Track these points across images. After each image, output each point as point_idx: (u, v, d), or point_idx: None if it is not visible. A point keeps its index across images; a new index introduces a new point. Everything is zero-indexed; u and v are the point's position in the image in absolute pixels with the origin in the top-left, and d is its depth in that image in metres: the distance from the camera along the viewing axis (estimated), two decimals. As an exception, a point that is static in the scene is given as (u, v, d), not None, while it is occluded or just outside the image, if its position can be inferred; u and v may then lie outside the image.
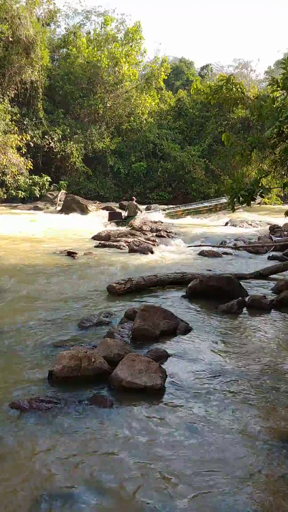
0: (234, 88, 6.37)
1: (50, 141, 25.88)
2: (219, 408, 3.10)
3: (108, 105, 28.95)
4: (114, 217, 16.42)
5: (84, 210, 19.05)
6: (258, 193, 5.17)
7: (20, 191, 24.19)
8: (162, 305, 5.15)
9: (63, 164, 27.02)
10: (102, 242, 10.91)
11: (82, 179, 27.78)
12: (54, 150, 26.13)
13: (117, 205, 21.07)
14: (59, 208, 20.64)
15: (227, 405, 3.15)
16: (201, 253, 9.69)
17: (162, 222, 15.77)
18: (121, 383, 3.29)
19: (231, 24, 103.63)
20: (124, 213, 16.59)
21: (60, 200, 22.21)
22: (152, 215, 18.10)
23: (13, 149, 22.91)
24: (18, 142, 23.22)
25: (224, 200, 19.01)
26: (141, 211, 17.49)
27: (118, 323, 4.79)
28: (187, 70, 42.76)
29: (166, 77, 31.53)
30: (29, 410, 2.95)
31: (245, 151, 6.01)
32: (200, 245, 10.95)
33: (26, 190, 24.46)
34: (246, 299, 5.70)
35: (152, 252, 9.70)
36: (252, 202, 5.35)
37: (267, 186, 5.41)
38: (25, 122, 25.19)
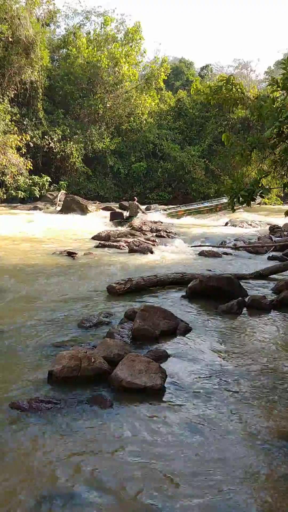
0: (234, 89, 6.37)
1: (50, 141, 25.88)
2: (219, 408, 3.10)
3: (108, 105, 28.96)
4: (115, 217, 16.44)
5: (84, 210, 19.06)
6: (258, 193, 5.17)
7: (20, 191, 24.19)
8: (162, 305, 5.15)
9: (63, 164, 27.02)
10: (102, 242, 10.91)
11: (82, 179, 27.78)
12: (54, 150, 26.14)
13: (117, 205, 21.09)
14: (59, 208, 20.64)
15: (227, 405, 3.15)
16: (201, 253, 9.70)
17: (162, 222, 15.78)
18: (121, 383, 3.29)
19: (231, 24, 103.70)
20: (126, 213, 16.61)
21: (60, 200, 22.21)
22: (153, 215, 18.11)
23: (12, 149, 22.91)
24: (18, 142, 23.23)
25: (224, 200, 19.01)
26: (144, 212, 17.50)
27: (118, 323, 4.79)
28: (187, 70, 42.77)
29: (166, 78, 31.53)
30: (28, 410, 2.95)
31: (245, 151, 6.01)
32: (200, 245, 10.96)
33: (26, 190, 24.46)
34: (246, 299, 5.70)
35: (152, 252, 9.71)
36: (252, 202, 5.35)
37: (267, 187, 5.40)
38: (25, 122, 25.19)
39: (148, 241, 11.07)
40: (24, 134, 24.04)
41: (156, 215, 18.48)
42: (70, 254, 8.96)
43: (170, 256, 9.57)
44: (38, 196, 24.68)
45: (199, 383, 3.48)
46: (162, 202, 26.56)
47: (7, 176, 23.26)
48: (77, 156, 26.68)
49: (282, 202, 28.06)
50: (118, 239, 11.35)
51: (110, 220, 16.15)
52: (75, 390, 3.28)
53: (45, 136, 25.84)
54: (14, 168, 23.12)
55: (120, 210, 17.85)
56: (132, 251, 9.78)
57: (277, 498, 2.26)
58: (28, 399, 3.07)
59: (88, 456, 2.53)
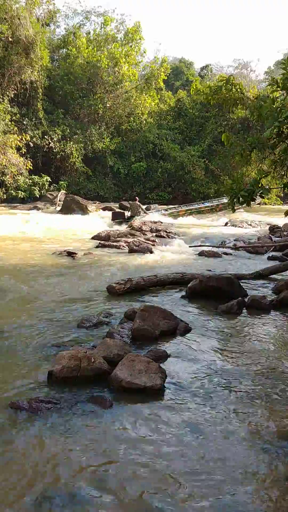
0: (233, 89, 6.37)
1: (50, 141, 25.89)
2: (219, 408, 3.10)
3: (108, 105, 28.97)
4: (117, 217, 16.45)
5: (84, 210, 19.07)
6: (258, 194, 5.17)
7: (19, 191, 24.20)
8: (162, 305, 5.15)
9: (63, 164, 27.03)
10: (102, 242, 10.91)
11: (82, 179, 27.79)
12: (54, 150, 26.14)
13: (117, 205, 21.08)
14: (58, 208, 20.65)
15: (227, 405, 3.15)
16: (201, 253, 9.69)
17: (161, 222, 15.78)
18: (121, 383, 3.29)
19: (231, 25, 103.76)
20: (127, 213, 16.63)
21: (59, 200, 22.22)
22: (153, 215, 18.11)
23: (12, 149, 22.92)
24: (18, 142, 23.23)
25: (225, 200, 19.04)
26: (145, 212, 17.51)
27: (117, 323, 4.79)
28: (187, 70, 42.79)
29: (166, 78, 31.55)
30: (28, 410, 2.95)
31: (244, 151, 6.01)
32: (200, 245, 10.96)
33: (25, 190, 24.47)
34: (246, 299, 5.70)
35: (151, 252, 9.71)
36: (252, 203, 5.35)
37: (267, 187, 5.40)
38: (24, 122, 25.20)
39: (148, 241, 11.07)
40: (24, 134, 24.05)
41: (157, 215, 18.49)
42: (70, 254, 8.96)
43: (170, 256, 9.56)
44: (38, 196, 24.69)
45: (199, 383, 3.48)
46: (162, 202, 26.57)
47: (7, 176, 23.27)
48: (77, 156, 26.68)
49: (282, 202, 28.08)
50: (118, 239, 11.35)
51: (112, 220, 16.19)
52: (75, 390, 3.28)
53: (45, 136, 25.85)
54: (14, 168, 23.13)
55: (121, 210, 17.85)
56: (132, 251, 9.78)
57: (277, 498, 2.26)
58: (28, 399, 3.07)
59: (88, 456, 2.53)
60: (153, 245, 10.77)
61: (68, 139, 26.61)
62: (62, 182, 26.59)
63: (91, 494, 2.23)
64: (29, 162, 24.07)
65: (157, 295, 6.14)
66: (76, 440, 2.68)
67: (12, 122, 23.73)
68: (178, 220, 17.88)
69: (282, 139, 5.34)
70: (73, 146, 26.43)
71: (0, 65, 23.71)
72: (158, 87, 31.07)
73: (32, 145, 24.92)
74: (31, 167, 24.16)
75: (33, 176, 24.93)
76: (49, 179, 25.66)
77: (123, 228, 13.99)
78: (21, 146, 23.53)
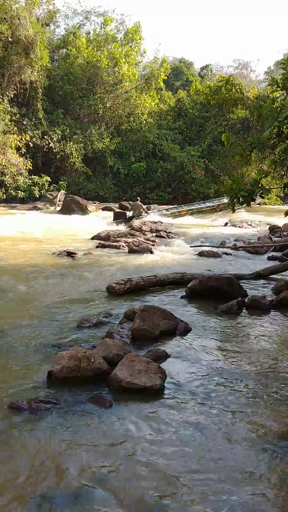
0: (233, 89, 6.36)
1: (50, 141, 25.88)
2: (218, 408, 3.10)
3: (108, 105, 28.96)
4: (119, 217, 16.45)
5: (83, 211, 19.06)
6: (258, 194, 5.16)
7: (19, 191, 24.20)
8: (161, 306, 5.15)
9: (63, 165, 27.03)
10: (102, 242, 10.91)
11: (82, 179, 27.79)
12: (54, 151, 26.14)
13: (117, 205, 21.08)
14: (58, 208, 20.65)
15: (226, 405, 3.15)
16: (201, 254, 9.69)
17: (161, 222, 15.78)
18: (121, 383, 3.28)
19: (231, 25, 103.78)
20: (129, 213, 16.63)
21: (59, 201, 22.22)
22: (154, 215, 18.11)
23: (12, 149, 22.92)
24: (18, 142, 23.23)
25: (225, 200, 19.03)
26: (147, 212, 17.49)
27: (117, 323, 4.78)
28: (187, 70, 42.77)
29: (165, 78, 31.54)
30: (28, 411, 2.95)
31: (244, 151, 5.99)
32: (199, 246, 10.96)
33: (25, 190, 24.47)
34: (246, 299, 5.70)
35: (151, 252, 9.70)
36: (252, 203, 5.34)
37: (267, 187, 5.40)
38: (24, 122, 25.19)
39: (148, 241, 11.06)
40: (23, 134, 24.04)
41: (158, 215, 18.47)
42: (70, 254, 8.96)
43: (169, 256, 9.56)
44: (37, 196, 24.70)
45: (199, 383, 3.47)
46: (162, 202, 26.58)
47: (7, 176, 23.27)
48: (76, 156, 26.68)
49: (282, 202, 28.09)
50: (118, 239, 11.34)
51: (114, 219, 16.19)
52: (75, 390, 3.28)
53: (45, 136, 25.84)
54: (14, 168, 23.12)
55: (123, 210, 17.85)
56: (131, 251, 9.77)
57: (277, 498, 2.26)
58: (27, 399, 3.07)
59: (88, 456, 2.52)
60: (153, 245, 10.77)
61: (68, 139, 26.60)
62: (62, 182, 26.59)
63: (91, 494, 2.23)
64: (29, 162, 24.06)
65: (157, 295, 6.14)
66: (76, 440, 2.68)
67: (12, 122, 23.73)
68: (178, 220, 17.87)
69: (282, 139, 5.33)
70: (73, 146, 26.43)
71: (0, 65, 23.71)
72: (158, 87, 31.07)
73: (31, 145, 24.92)
74: (30, 167, 24.16)
75: (32, 176, 24.92)
76: (49, 179, 25.66)
77: (123, 228, 13.98)
78: (20, 146, 23.53)
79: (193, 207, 20.98)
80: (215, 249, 10.20)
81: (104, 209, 21.17)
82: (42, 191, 25.16)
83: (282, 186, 5.68)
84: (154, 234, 12.77)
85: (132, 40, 29.90)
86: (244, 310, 5.48)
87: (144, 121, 30.06)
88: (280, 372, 3.76)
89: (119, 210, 17.91)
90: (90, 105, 28.20)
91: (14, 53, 23.56)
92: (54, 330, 4.56)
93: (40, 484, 2.29)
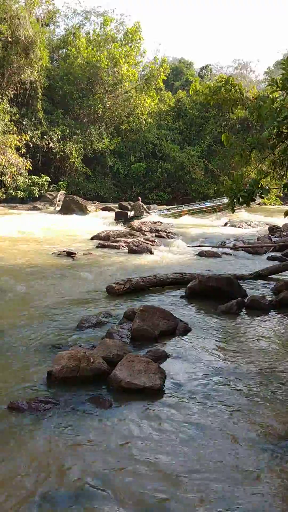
0: (233, 89, 6.37)
1: (49, 142, 25.89)
2: (218, 408, 3.10)
3: (108, 105, 28.97)
4: (120, 217, 16.45)
5: (83, 211, 19.08)
6: (257, 194, 5.16)
7: (19, 191, 24.21)
8: (161, 306, 5.15)
9: (63, 165, 27.04)
10: (102, 242, 10.90)
11: (82, 179, 27.80)
12: (53, 151, 26.15)
13: (117, 205, 21.08)
14: (58, 208, 20.65)
15: (226, 405, 3.15)
16: (201, 254, 9.69)
17: (161, 223, 15.78)
18: (120, 383, 3.28)
19: (230, 25, 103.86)
20: (130, 213, 16.64)
21: (59, 201, 22.23)
22: (155, 215, 18.11)
23: (12, 149, 22.92)
24: (17, 142, 23.24)
25: (226, 200, 19.03)
26: (148, 212, 17.48)
27: (117, 323, 4.78)
28: (187, 70, 42.81)
29: (165, 78, 31.56)
30: (28, 411, 2.95)
31: (244, 151, 6.00)
32: (199, 246, 10.96)
33: (25, 190, 24.48)
34: (246, 299, 5.70)
35: (151, 253, 9.71)
36: (251, 203, 5.34)
37: (266, 187, 5.40)
38: (24, 122, 25.20)
39: (148, 241, 11.07)
40: (23, 134, 24.05)
41: (159, 215, 18.46)
42: (70, 254, 8.96)
43: (169, 256, 9.57)
44: (37, 196, 24.71)
45: (198, 383, 3.48)
46: (162, 203, 26.60)
47: (7, 176, 23.27)
48: (76, 156, 26.68)
49: (281, 202, 28.10)
50: (118, 239, 11.34)
51: (115, 219, 16.22)
52: (74, 391, 3.28)
53: (45, 136, 25.85)
54: (14, 168, 23.13)
55: (124, 210, 17.86)
56: (131, 251, 9.78)
57: (277, 498, 2.26)
58: (27, 399, 3.07)
59: (88, 456, 2.53)
60: (153, 245, 10.78)
61: (68, 139, 26.61)
62: (62, 182, 26.59)
63: (91, 493, 2.23)
64: (29, 162, 24.07)
65: (157, 295, 6.14)
66: (75, 440, 2.68)
67: (12, 122, 23.73)
68: (178, 220, 17.88)
69: (282, 140, 5.34)
70: (73, 146, 26.44)
71: (0, 65, 23.71)
72: (158, 87, 31.09)
73: (31, 145, 24.93)
74: (30, 167, 24.17)
75: (32, 176, 24.93)
76: (48, 179, 25.67)
77: (123, 228, 13.98)
78: (20, 146, 23.53)
79: (194, 207, 20.98)
80: (214, 249, 10.20)
81: (103, 209, 21.17)
82: (42, 191, 25.17)
83: (282, 186, 5.68)
84: (154, 234, 12.77)
85: (132, 40, 29.92)
86: (243, 310, 5.48)
87: (144, 121, 30.06)
88: (279, 372, 3.76)
89: (121, 210, 17.92)
90: (90, 105, 28.21)
91: (14, 53, 23.57)
92: (54, 330, 4.57)
93: (40, 484, 2.29)
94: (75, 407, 3.06)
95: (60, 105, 28.40)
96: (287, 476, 2.43)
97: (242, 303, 5.54)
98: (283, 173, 6.02)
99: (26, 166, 23.79)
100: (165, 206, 23.65)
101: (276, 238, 12.54)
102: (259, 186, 5.12)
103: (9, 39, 23.00)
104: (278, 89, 5.44)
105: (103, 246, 10.47)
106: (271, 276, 7.40)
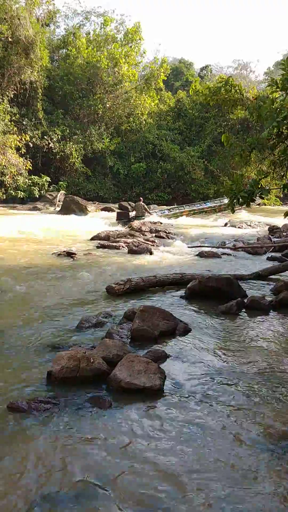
0: (233, 90, 6.38)
1: (50, 142, 25.90)
2: (217, 409, 3.10)
3: (108, 105, 28.98)
4: (122, 217, 16.46)
5: (83, 211, 19.09)
6: (257, 194, 5.17)
7: (19, 192, 24.21)
8: (161, 306, 5.15)
9: (63, 165, 27.05)
10: (102, 242, 10.91)
11: (82, 179, 27.80)
12: (54, 151, 26.16)
13: (117, 205, 21.09)
14: (58, 208, 20.66)
15: (226, 405, 3.15)
16: (200, 254, 9.69)
17: (161, 223, 15.79)
18: (120, 383, 3.29)
19: (230, 25, 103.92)
20: (132, 213, 16.66)
21: (59, 201, 22.24)
22: (155, 216, 18.12)
23: (12, 149, 22.93)
24: (17, 142, 23.25)
25: (226, 200, 19.04)
26: (149, 212, 17.48)
27: (117, 323, 4.79)
28: (187, 71, 42.82)
29: (165, 78, 31.58)
30: (27, 411, 2.95)
31: (244, 152, 6.00)
32: (199, 246, 10.96)
33: (25, 190, 24.49)
34: (245, 300, 5.70)
35: (151, 253, 9.71)
36: (251, 203, 5.35)
37: (266, 187, 5.41)
38: (24, 123, 25.20)
39: (148, 242, 11.07)
40: (23, 134, 24.06)
41: (160, 216, 18.47)
42: (70, 254, 8.96)
43: (169, 256, 9.57)
44: (37, 196, 24.72)
45: (198, 384, 3.48)
46: (162, 203, 26.61)
47: (7, 176, 23.28)
48: (76, 156, 26.69)
49: (281, 203, 28.11)
50: (118, 239, 11.34)
51: (117, 219, 16.26)
52: (74, 391, 3.28)
53: (45, 136, 25.86)
54: (14, 168, 23.14)
55: (126, 211, 17.88)
56: (131, 251, 9.78)
57: (275, 500, 2.26)
58: (27, 399, 3.07)
59: (88, 456, 2.53)
60: (153, 245, 10.78)
61: (68, 139, 26.62)
62: (62, 182, 26.60)
63: (91, 493, 2.23)
64: (29, 162, 24.08)
65: (157, 296, 6.15)
66: (75, 440, 2.68)
67: (12, 122, 23.74)
68: (178, 221, 17.89)
69: (282, 140, 5.34)
70: (73, 146, 26.44)
71: (0, 65, 23.72)
72: (158, 88, 31.10)
73: (31, 146, 24.93)
74: (30, 168, 24.17)
75: (32, 177, 24.94)
76: (48, 179, 25.68)
77: (123, 228, 13.99)
78: (20, 146, 23.54)
79: (195, 208, 21.00)
80: (214, 250, 10.20)
81: (103, 209, 21.19)
82: (42, 192, 25.18)
83: (282, 186, 5.68)
84: (154, 234, 12.78)
85: (132, 41, 29.94)
86: (243, 311, 5.49)
87: (144, 122, 30.07)
88: (279, 372, 3.76)
89: (123, 210, 17.94)
90: (90, 105, 28.22)
91: (14, 53, 23.58)
92: (53, 330, 4.57)
93: (40, 483, 2.29)
94: (75, 407, 3.06)
95: (60, 105, 28.41)
96: (287, 476, 2.43)
97: (242, 303, 5.54)
98: (283, 174, 6.03)
99: (26, 166, 23.80)
100: (165, 206, 23.66)
101: (276, 239, 12.55)
102: (259, 186, 5.13)
103: (10, 39, 23.02)
104: (278, 89, 5.45)
105: (103, 247, 10.48)
106: (270, 277, 7.40)
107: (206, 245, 11.21)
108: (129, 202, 21.77)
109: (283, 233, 13.41)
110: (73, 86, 28.18)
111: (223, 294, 5.82)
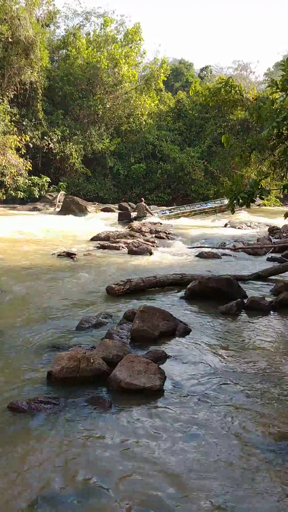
0: (232, 90, 6.39)
1: (50, 142, 25.90)
2: (217, 410, 3.11)
3: (108, 106, 28.99)
4: (123, 217, 16.46)
5: (83, 211, 19.10)
6: (257, 195, 5.17)
7: (19, 192, 24.21)
8: (161, 306, 5.15)
9: (63, 165, 27.05)
10: (101, 243, 10.91)
11: (82, 180, 27.80)
12: (54, 151, 26.16)
13: (117, 206, 21.09)
14: (58, 209, 20.66)
15: (226, 406, 3.16)
16: (200, 255, 9.69)
17: (161, 223, 15.80)
18: (120, 384, 3.29)
19: (230, 26, 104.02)
20: (133, 214, 16.68)
21: (59, 201, 22.23)
22: (156, 216, 18.13)
23: (12, 150, 22.93)
24: (18, 143, 23.25)
25: (226, 201, 19.04)
26: (151, 213, 17.48)
27: (117, 324, 4.79)
28: (187, 71, 42.86)
29: (165, 79, 31.58)
30: (28, 411, 2.95)
31: (244, 152, 6.01)
32: (199, 247, 10.97)
33: (25, 191, 24.49)
34: (245, 300, 5.71)
35: (151, 253, 9.71)
36: (251, 204, 5.36)
37: (266, 188, 5.41)
38: (24, 123, 25.21)
39: (148, 242, 11.07)
40: (23, 134, 24.07)
41: (161, 216, 18.48)
42: (70, 255, 8.96)
43: (169, 257, 9.57)
44: (37, 197, 24.72)
45: (198, 384, 3.48)
46: (162, 204, 26.61)
47: (7, 177, 23.28)
48: (76, 157, 26.69)
49: (281, 203, 28.12)
50: (118, 240, 11.35)
51: (118, 220, 16.28)
52: (74, 391, 3.28)
53: (45, 137, 25.86)
54: (14, 168, 23.14)
55: (127, 211, 17.91)
56: (131, 252, 9.78)
57: (276, 498, 2.26)
58: (27, 399, 3.07)
59: (87, 457, 2.53)
60: (153, 246, 10.78)
61: (68, 140, 26.62)
62: (62, 183, 26.60)
63: (91, 493, 2.23)
64: (29, 162, 24.08)
65: (157, 296, 6.15)
66: (75, 440, 2.68)
67: (12, 122, 23.76)
68: (178, 221, 17.89)
69: (282, 141, 5.35)
70: (73, 147, 26.45)
71: (0, 65, 23.73)
72: (158, 88, 31.11)
73: (31, 146, 24.93)
74: (30, 168, 24.18)
75: (32, 177, 24.95)
76: (48, 180, 25.68)
77: (123, 229, 13.99)
78: (20, 146, 23.54)
79: (195, 208, 21.00)
80: (214, 250, 10.21)
81: (103, 210, 21.19)
82: (42, 192, 25.18)
83: (282, 187, 5.69)
84: (154, 235, 12.78)
85: (132, 41, 29.95)
86: (243, 311, 5.49)
87: (144, 122, 30.08)
88: (279, 372, 3.77)
89: (124, 211, 17.96)
90: (90, 105, 28.23)
91: (14, 54, 23.59)
92: (53, 330, 4.57)
93: (41, 483, 2.30)
94: (75, 407, 3.06)
95: (60, 106, 28.42)
96: (287, 476, 2.44)
97: (241, 304, 5.54)
98: (283, 174, 6.04)
99: (26, 166, 23.81)
100: (165, 207, 23.66)
101: (276, 239, 12.54)
102: (259, 187, 5.14)
103: (10, 40, 23.03)
104: (278, 90, 5.46)
105: (103, 247, 10.48)
106: (270, 277, 7.40)
107: (206, 245, 11.21)
108: (129, 203, 21.78)
109: (283, 234, 13.41)
110: (73, 87, 28.19)
111: (223, 295, 5.82)
